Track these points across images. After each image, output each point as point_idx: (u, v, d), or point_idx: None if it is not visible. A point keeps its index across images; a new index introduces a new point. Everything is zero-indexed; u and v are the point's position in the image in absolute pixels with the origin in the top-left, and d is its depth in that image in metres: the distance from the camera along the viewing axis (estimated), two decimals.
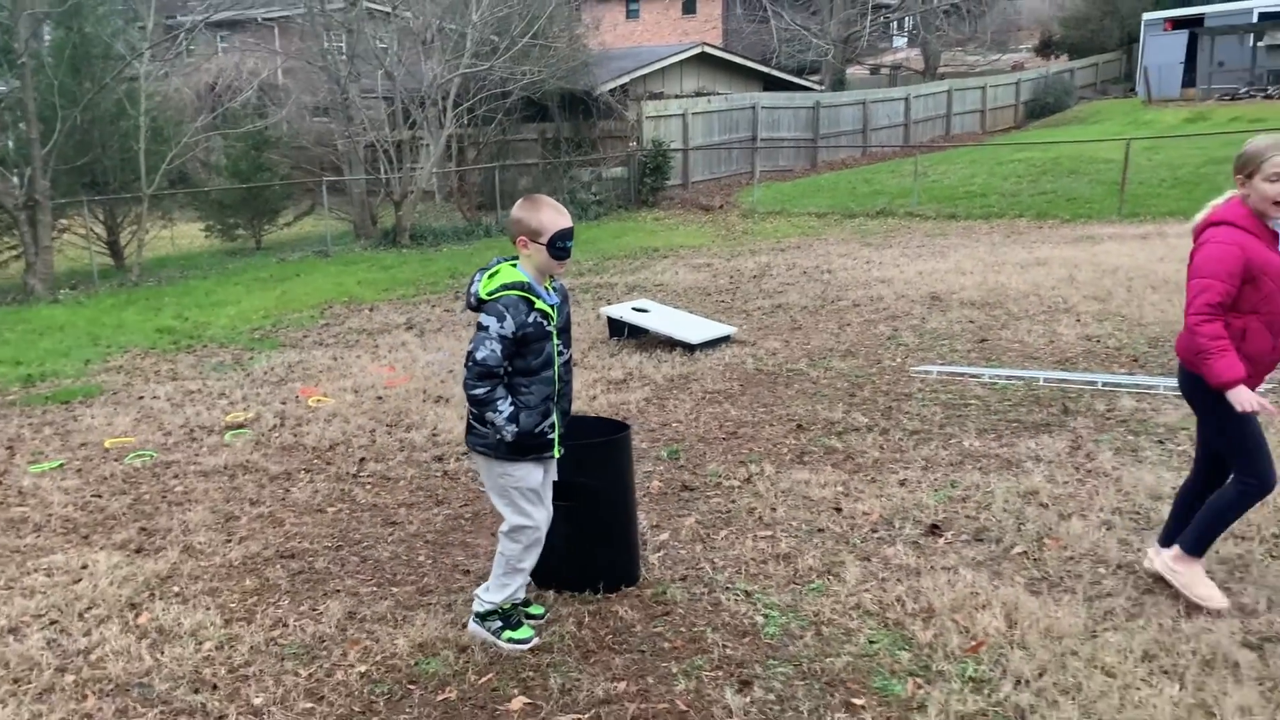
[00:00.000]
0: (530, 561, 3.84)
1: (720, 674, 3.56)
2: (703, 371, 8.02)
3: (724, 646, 3.74)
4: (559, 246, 3.60)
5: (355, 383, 8.26)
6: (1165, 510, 4.65)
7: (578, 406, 7.13)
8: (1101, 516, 4.64)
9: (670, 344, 8.79)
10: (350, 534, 5.09)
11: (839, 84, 33.56)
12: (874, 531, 4.71)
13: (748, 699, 3.39)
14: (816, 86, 30.88)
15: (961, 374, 7.42)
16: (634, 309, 9.28)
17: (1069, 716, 3.13)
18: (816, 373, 7.80)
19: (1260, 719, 3.04)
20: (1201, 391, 3.68)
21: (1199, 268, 3.59)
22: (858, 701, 3.33)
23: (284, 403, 7.76)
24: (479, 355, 3.56)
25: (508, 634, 3.86)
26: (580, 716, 3.37)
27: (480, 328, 3.58)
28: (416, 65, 19.41)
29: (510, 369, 3.62)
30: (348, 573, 4.63)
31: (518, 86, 19.24)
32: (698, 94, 26.10)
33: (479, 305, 3.63)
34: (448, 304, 12.01)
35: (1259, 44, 32.06)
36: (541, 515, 3.80)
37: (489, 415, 3.61)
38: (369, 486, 5.81)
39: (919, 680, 3.41)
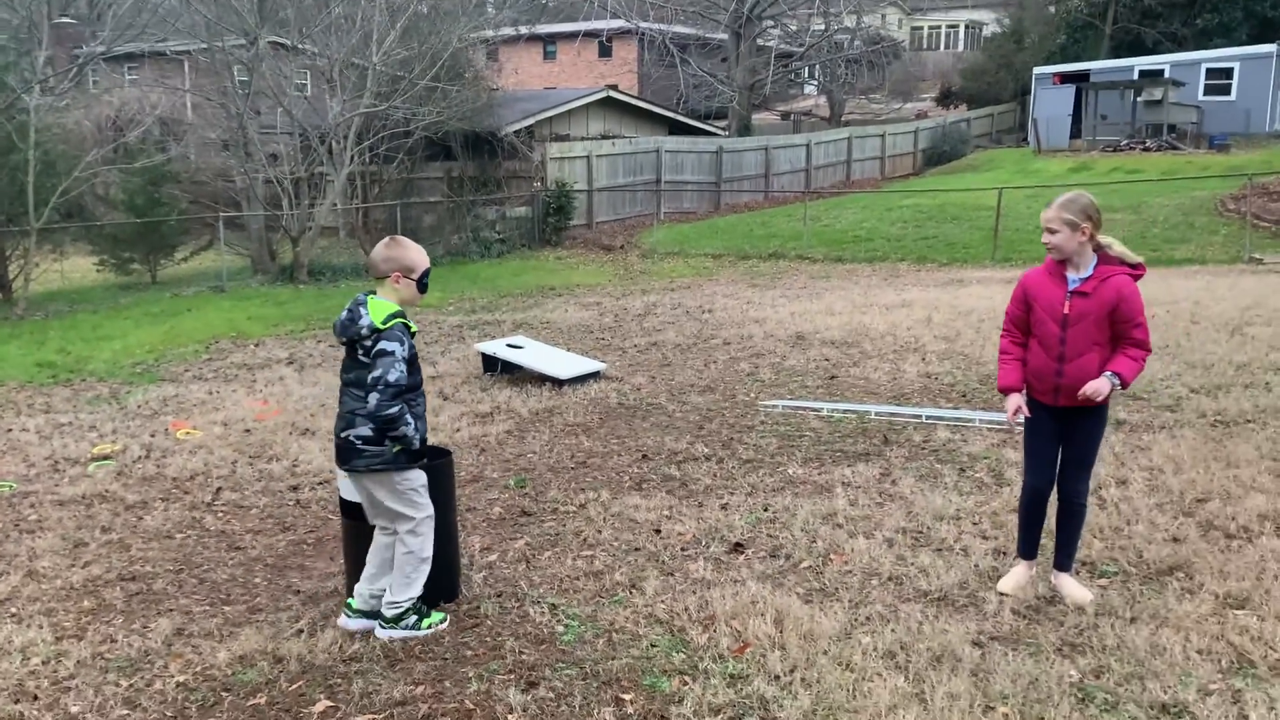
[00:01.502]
0: (429, 550, 4.27)
1: (511, 676, 3.90)
2: (567, 405, 8.39)
3: (520, 653, 4.09)
4: (424, 282, 4.19)
5: (226, 416, 8.45)
6: (944, 530, 5.16)
7: (441, 438, 7.45)
8: (885, 535, 5.11)
9: (541, 379, 9.15)
10: (193, 558, 5.33)
11: (745, 129, 34.51)
12: (684, 550, 5.11)
13: (529, 697, 3.74)
14: (720, 131, 31.75)
15: (803, 408, 7.92)
16: (508, 345, 9.64)
17: (804, 704, 3.55)
18: (673, 406, 8.24)
19: (963, 702, 3.49)
20: None
21: None
22: (626, 697, 3.70)
23: (152, 435, 7.92)
24: (391, 377, 3.99)
25: (426, 623, 4.28)
26: (376, 717, 3.68)
27: (385, 354, 4.01)
28: (320, 102, 19.62)
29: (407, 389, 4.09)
30: (184, 593, 4.87)
31: (419, 126, 19.55)
32: (604, 136, 26.73)
33: (375, 334, 4.03)
34: (333, 339, 12.20)
35: (1138, 99, 33.88)
36: (430, 506, 4.28)
37: (401, 429, 4.06)
38: (221, 514, 6.04)
39: (685, 678, 3.80)
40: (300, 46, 20.68)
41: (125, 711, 3.78)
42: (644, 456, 6.88)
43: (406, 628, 4.24)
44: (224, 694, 3.88)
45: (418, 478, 4.24)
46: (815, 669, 3.79)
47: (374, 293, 4.16)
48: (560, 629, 4.29)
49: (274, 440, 7.63)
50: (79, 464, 7.18)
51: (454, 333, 12.36)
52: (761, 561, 4.91)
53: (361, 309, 4.10)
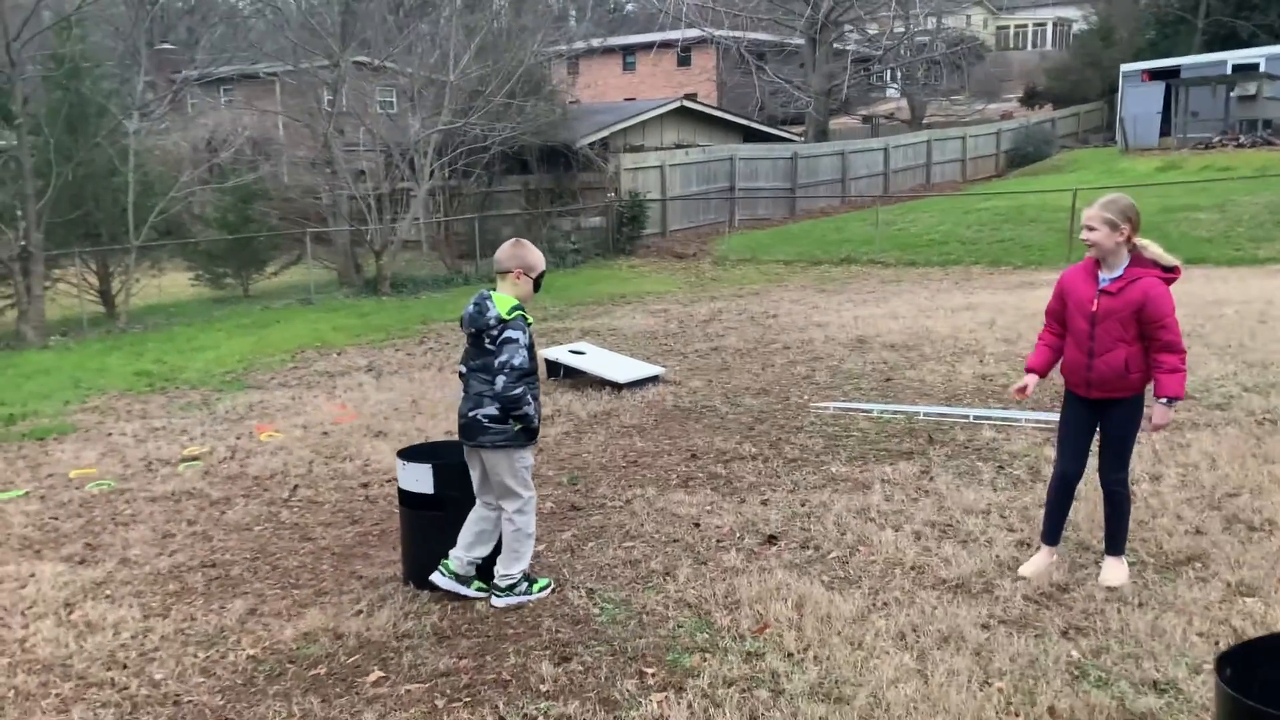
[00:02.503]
0: (533, 527, 4.77)
1: (547, 652, 4.22)
2: (624, 408, 8.71)
3: (556, 631, 4.41)
4: (539, 281, 4.73)
5: (307, 420, 8.98)
6: (972, 523, 5.34)
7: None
8: (914, 528, 5.31)
9: (602, 383, 9.49)
10: (268, 548, 5.78)
11: (822, 134, 34.51)
12: (719, 542, 5.38)
13: (561, 669, 4.05)
14: (796, 137, 31.82)
15: (853, 409, 8.10)
16: (570, 351, 10.01)
17: (811, 678, 3.79)
18: (726, 409, 8.49)
19: (961, 678, 3.69)
20: None
21: None
22: (649, 670, 3.99)
23: (238, 438, 8.47)
24: (516, 362, 4.49)
25: (536, 587, 4.76)
26: (423, 685, 4.03)
27: (510, 341, 4.50)
28: (403, 119, 20.38)
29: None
30: (258, 578, 5.31)
31: (495, 141, 20.14)
32: (678, 145, 27.06)
33: (502, 324, 4.50)
34: (411, 348, 12.75)
35: (1231, 94, 32.93)
36: (534, 489, 4.80)
37: (524, 409, 4.55)
38: (296, 509, 6.51)
39: (705, 654, 4.08)
40: (385, 65, 21.52)
41: (201, 679, 4.20)
42: (693, 456, 7.16)
43: (520, 594, 4.72)
44: (289, 665, 4.28)
45: (530, 459, 4.74)
46: (827, 647, 4.03)
47: (494, 288, 4.64)
48: (596, 611, 4.60)
49: (349, 442, 8.11)
50: (170, 464, 7.75)
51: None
52: (791, 552, 5.15)
53: (488, 302, 4.57)
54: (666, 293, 17.67)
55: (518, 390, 4.51)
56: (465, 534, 4.81)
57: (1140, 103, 36.18)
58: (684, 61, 46.99)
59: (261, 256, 19.58)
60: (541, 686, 3.93)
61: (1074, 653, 3.86)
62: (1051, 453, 6.45)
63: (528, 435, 4.66)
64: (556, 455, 7.40)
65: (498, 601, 4.71)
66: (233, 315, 16.60)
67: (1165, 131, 34.82)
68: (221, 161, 19.38)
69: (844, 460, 6.77)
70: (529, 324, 4.62)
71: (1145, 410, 4.44)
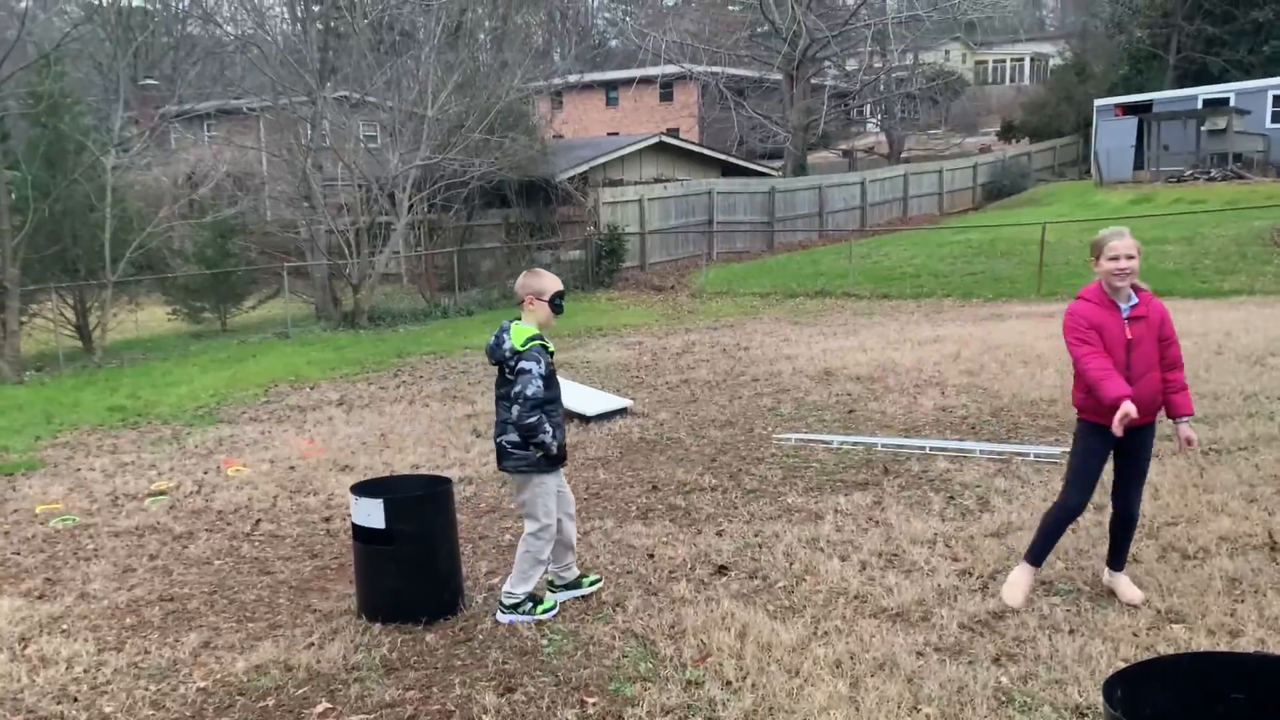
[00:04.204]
0: (547, 554, 4.94)
1: (492, 683, 4.30)
2: (590, 440, 8.81)
3: (503, 663, 4.49)
4: (556, 303, 4.86)
5: (274, 454, 9.03)
6: (918, 553, 5.45)
7: (469, 471, 7.93)
8: (861, 558, 5.41)
9: (569, 416, 9.58)
10: (226, 581, 5.84)
11: (800, 169, 34.88)
12: (671, 573, 5.47)
13: (505, 700, 4.13)
14: (774, 172, 32.16)
15: (814, 440, 8.22)
16: None
17: (746, 705, 3.88)
18: (691, 440, 8.60)
19: (891, 704, 3.79)
20: (1076, 432, 4.74)
21: (1065, 332, 4.62)
22: (590, 700, 4.07)
23: (205, 473, 8.52)
24: (529, 392, 4.66)
25: (540, 609, 4.93)
26: (368, 715, 4.10)
27: (524, 372, 4.67)
28: (384, 153, 20.57)
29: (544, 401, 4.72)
30: (214, 612, 5.37)
31: (473, 176, 20.33)
32: (657, 180, 27.33)
33: (516, 355, 4.69)
34: (384, 382, 12.83)
35: (1202, 128, 33.48)
36: (553, 518, 4.93)
37: (540, 437, 4.71)
38: (257, 543, 6.56)
39: (647, 683, 4.16)
40: (365, 100, 21.75)
41: (151, 712, 4.25)
42: (654, 488, 7.25)
43: (524, 613, 4.91)
44: (238, 697, 4.34)
45: (552, 484, 4.90)
46: (765, 675, 4.12)
47: (518, 319, 4.85)
48: (544, 642, 4.68)
49: (315, 476, 8.17)
50: (136, 499, 7.79)
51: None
52: (740, 582, 5.25)
53: (505, 335, 4.80)
54: (642, 325, 17.81)
55: (532, 419, 4.67)
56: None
57: (1114, 137, 36.73)
58: (666, 96, 47.48)
59: (239, 291, 19.67)
60: (483, 717, 4.01)
61: (1003, 679, 3.96)
62: (1001, 483, 6.61)
63: (549, 461, 4.84)
64: None
65: (502, 618, 4.91)
66: (209, 350, 16.65)
67: (1139, 165, 35.36)
68: (200, 197, 19.48)
69: (800, 491, 6.88)
70: (550, 352, 4.79)
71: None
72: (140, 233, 16.16)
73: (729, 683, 4.10)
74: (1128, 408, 4.28)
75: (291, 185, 19.73)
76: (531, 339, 4.73)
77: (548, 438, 4.74)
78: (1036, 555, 4.73)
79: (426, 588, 4.99)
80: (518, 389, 4.67)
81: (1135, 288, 4.44)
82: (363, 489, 5.19)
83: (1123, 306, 4.44)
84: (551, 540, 4.94)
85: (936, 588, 4.92)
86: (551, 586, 5.16)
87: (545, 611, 4.95)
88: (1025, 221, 24.50)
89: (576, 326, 17.80)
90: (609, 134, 41.05)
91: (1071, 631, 4.32)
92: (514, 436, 4.79)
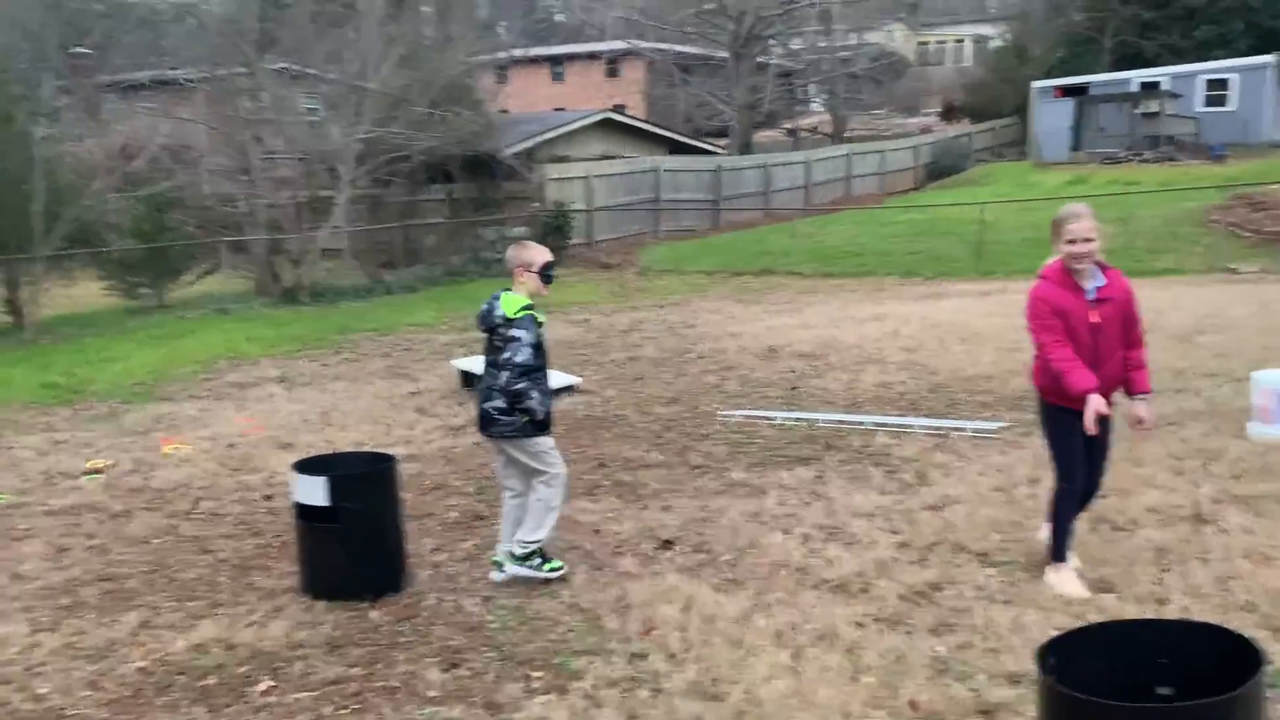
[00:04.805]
0: (559, 500, 5.01)
1: (437, 659, 4.31)
2: None
3: (449, 639, 4.50)
4: (547, 275, 5.00)
5: (214, 432, 8.89)
6: (858, 525, 5.54)
7: (413, 449, 7.89)
8: (803, 531, 5.49)
9: None
10: (166, 560, 5.76)
11: (746, 147, 34.97)
12: (618, 548, 5.51)
13: (449, 675, 4.14)
14: (720, 150, 32.20)
15: (757, 417, 8.30)
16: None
17: (690, 676, 3.94)
18: (637, 417, 8.63)
19: (831, 673, 3.86)
20: (1043, 415, 4.65)
21: (1027, 317, 4.50)
22: (536, 674, 4.10)
23: (143, 451, 8.37)
24: (519, 359, 4.79)
25: (548, 566, 4.96)
26: (311, 693, 4.09)
27: (514, 339, 4.80)
28: (324, 127, 20.22)
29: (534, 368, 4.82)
30: (153, 591, 5.30)
31: (415, 151, 20.08)
32: (603, 157, 27.21)
33: (508, 323, 4.80)
34: (326, 359, 12.67)
35: (1136, 111, 34.14)
36: (563, 463, 5.04)
37: (527, 403, 4.81)
38: (197, 522, 6.48)
39: (592, 657, 4.20)
40: (306, 72, 21.33)
41: (88, 692, 4.20)
42: (600, 464, 7.28)
43: (531, 567, 4.95)
44: (178, 676, 4.30)
45: (547, 441, 5.00)
46: (709, 647, 4.18)
47: (509, 289, 4.96)
48: (490, 618, 4.70)
49: (255, 454, 8.07)
50: (71, 477, 7.64)
51: (442, 350, 12.79)
52: (685, 556, 5.30)
53: (496, 303, 4.94)
54: (590, 303, 17.77)
55: (520, 385, 4.78)
56: (505, 527, 5.14)
57: (1051, 118, 37.29)
58: (613, 73, 47.23)
59: (177, 266, 19.20)
60: (429, 692, 4.02)
61: (940, 648, 4.06)
62: (939, 457, 6.74)
63: (535, 427, 4.92)
64: (466, 465, 7.47)
65: (510, 568, 4.98)
66: (146, 326, 16.27)
67: (1076, 146, 35.98)
68: (135, 169, 19.00)
69: (745, 467, 6.95)
70: (539, 323, 4.91)
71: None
72: (72, 205, 15.71)
73: (673, 655, 4.15)
74: (1097, 404, 4.25)
75: (230, 158, 19.33)
76: (523, 308, 4.86)
77: (534, 404, 4.83)
78: (1060, 551, 4.59)
79: (371, 565, 4.97)
80: (507, 355, 4.78)
81: (1103, 266, 4.34)
82: (305, 466, 5.15)
83: (1087, 287, 4.31)
84: (563, 487, 5.06)
85: (876, 560, 5.02)
86: (498, 566, 5.14)
87: (552, 570, 4.98)
88: (964, 201, 24.83)
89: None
90: (555, 109, 40.66)
91: (1007, 602, 4.44)
92: (501, 403, 4.86)
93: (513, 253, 5.05)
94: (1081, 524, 5.32)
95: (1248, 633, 3.88)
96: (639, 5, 40.03)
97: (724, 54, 36.35)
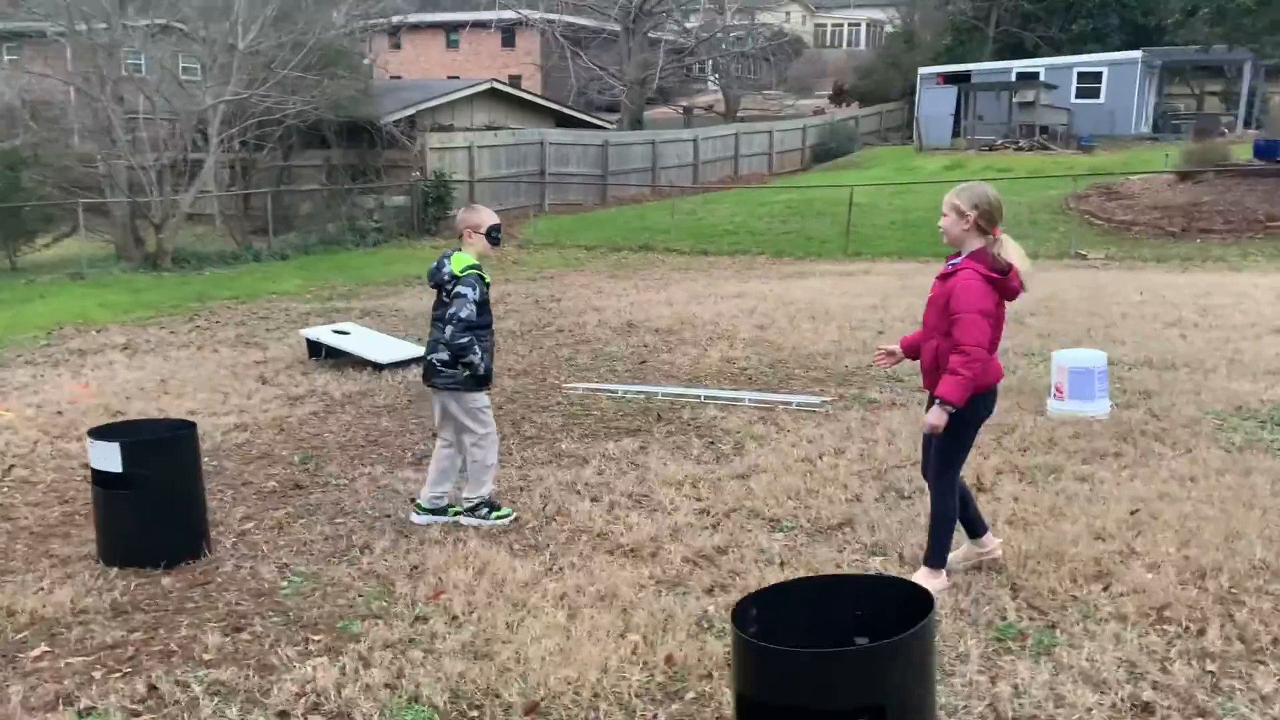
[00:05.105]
0: (493, 459, 5.38)
1: (222, 624, 4.31)
2: (380, 388, 8.77)
3: (237, 604, 4.50)
4: (493, 236, 5.30)
5: (44, 399, 8.63)
6: (665, 493, 5.70)
7: (245, 418, 7.79)
8: (612, 499, 5.64)
9: (363, 364, 9.50)
10: None
11: (636, 123, 35.08)
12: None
13: (230, 639, 4.15)
14: (609, 125, 32.21)
15: (599, 390, 8.43)
16: (334, 331, 9.97)
17: (465, 637, 4.04)
18: None
19: (601, 632, 4.00)
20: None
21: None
22: (316, 637, 4.14)
23: None
24: (463, 314, 5.08)
25: (495, 515, 5.32)
26: (86, 658, 4.06)
27: (459, 296, 5.09)
28: (191, 87, 19.58)
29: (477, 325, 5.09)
30: None
31: (288, 114, 19.61)
32: (488, 128, 26.97)
33: (454, 280, 5.09)
34: (176, 326, 12.35)
35: (1013, 100, 35.29)
36: (493, 423, 5.39)
37: (469, 358, 5.11)
38: (5, 489, 6.30)
39: (375, 620, 4.26)
40: (174, 25, 20.60)
41: None
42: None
43: (480, 517, 5.32)
44: None
45: (483, 399, 5.31)
46: (491, 609, 4.28)
47: (459, 250, 5.24)
48: (283, 584, 4.71)
49: (83, 421, 7.84)
50: None
51: (300, 319, 12.59)
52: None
53: (445, 261, 5.22)
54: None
55: (464, 340, 5.08)
56: (430, 472, 5.47)
57: (935, 104, 38.30)
58: (508, 42, 46.69)
59: (30, 228, 18.45)
60: (205, 656, 4.03)
61: (709, 607, 4.23)
62: (760, 429, 6.97)
63: (476, 381, 5.21)
64: (298, 435, 7.41)
65: (464, 520, 5.32)
66: None
67: (957, 133, 37.05)
68: None
69: (575, 438, 7.07)
70: (486, 282, 5.18)
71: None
72: None
73: (455, 617, 4.24)
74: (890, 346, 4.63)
75: (91, 117, 18.58)
76: (470, 267, 5.14)
77: (476, 359, 5.12)
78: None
79: (165, 531, 4.92)
80: (452, 310, 5.08)
81: (977, 256, 4.11)
82: (101, 433, 5.06)
83: (947, 265, 4.26)
84: (494, 445, 5.38)
85: (672, 525, 5.19)
86: (418, 509, 5.43)
87: (499, 517, 5.31)
88: (838, 184, 25.39)
89: (394, 274, 17.53)
90: (449, 77, 40.00)
91: (783, 564, 4.65)
92: (444, 355, 5.16)
93: (462, 215, 5.34)
94: (871, 491, 5.60)
95: (991, 591, 4.18)
96: None
97: (617, 27, 36.31)
